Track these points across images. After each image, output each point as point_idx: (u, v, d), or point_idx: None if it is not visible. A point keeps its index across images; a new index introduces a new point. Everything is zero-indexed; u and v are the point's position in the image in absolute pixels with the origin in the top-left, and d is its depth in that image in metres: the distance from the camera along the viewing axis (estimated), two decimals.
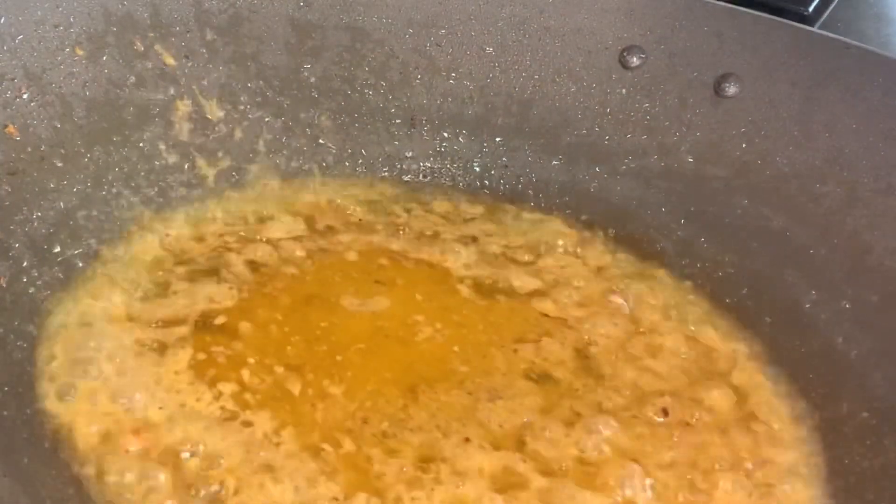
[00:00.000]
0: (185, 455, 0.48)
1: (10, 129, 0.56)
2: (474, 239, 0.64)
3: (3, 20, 0.56)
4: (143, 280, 0.57)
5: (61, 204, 0.57)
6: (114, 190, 0.60)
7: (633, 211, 0.66)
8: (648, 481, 0.50)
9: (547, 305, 0.60)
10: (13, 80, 0.57)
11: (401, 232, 0.64)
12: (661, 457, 0.51)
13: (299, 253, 0.61)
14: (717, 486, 0.50)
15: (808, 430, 0.54)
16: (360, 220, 0.65)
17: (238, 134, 0.66)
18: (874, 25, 0.86)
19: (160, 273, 0.58)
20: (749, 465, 0.52)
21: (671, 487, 0.50)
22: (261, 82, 0.66)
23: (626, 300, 0.60)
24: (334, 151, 0.68)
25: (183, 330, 0.54)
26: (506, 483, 0.49)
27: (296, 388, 0.52)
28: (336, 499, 0.47)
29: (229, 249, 0.60)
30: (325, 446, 0.49)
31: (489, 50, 0.68)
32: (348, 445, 0.49)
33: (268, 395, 0.51)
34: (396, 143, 0.69)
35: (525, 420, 0.52)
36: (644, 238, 0.65)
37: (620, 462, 0.50)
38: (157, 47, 0.63)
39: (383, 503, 0.47)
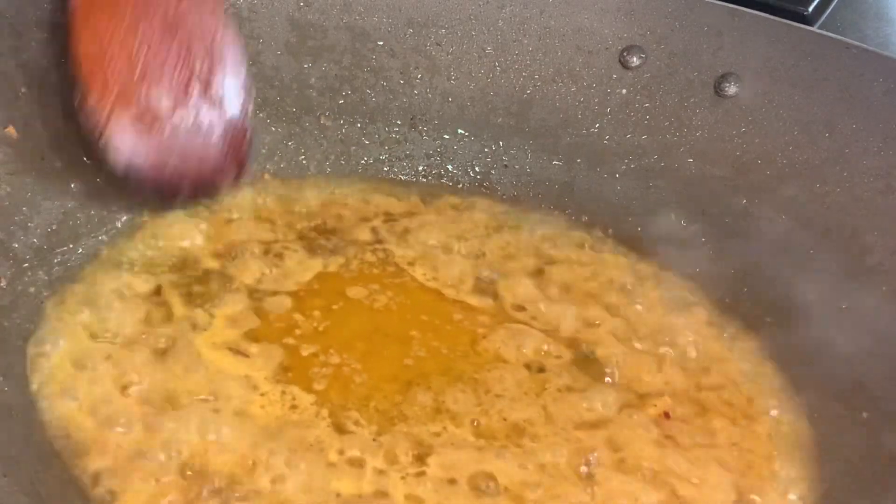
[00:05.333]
0: (186, 450, 0.48)
1: (10, 129, 0.56)
2: (474, 239, 0.64)
3: (2, 20, 0.57)
4: (143, 280, 0.57)
5: (61, 204, 0.58)
6: (114, 190, 0.60)
7: (634, 211, 0.66)
8: (648, 480, 0.50)
9: (547, 305, 0.59)
10: (13, 79, 0.57)
11: (401, 232, 0.64)
12: (660, 456, 0.51)
13: (299, 253, 0.61)
14: (717, 485, 0.50)
15: (807, 429, 0.54)
16: (359, 220, 0.64)
17: None
18: (874, 25, 0.86)
19: (160, 273, 0.58)
20: (748, 465, 0.52)
21: (671, 486, 0.50)
22: (261, 82, 0.66)
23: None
24: (334, 151, 0.68)
25: (184, 328, 0.54)
26: (495, 479, 0.49)
27: (293, 385, 0.52)
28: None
29: (229, 249, 0.60)
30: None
31: (489, 50, 0.68)
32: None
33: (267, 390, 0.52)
34: (396, 143, 0.69)
35: (523, 417, 0.52)
36: (644, 238, 0.65)
37: (619, 462, 0.51)
38: None
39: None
